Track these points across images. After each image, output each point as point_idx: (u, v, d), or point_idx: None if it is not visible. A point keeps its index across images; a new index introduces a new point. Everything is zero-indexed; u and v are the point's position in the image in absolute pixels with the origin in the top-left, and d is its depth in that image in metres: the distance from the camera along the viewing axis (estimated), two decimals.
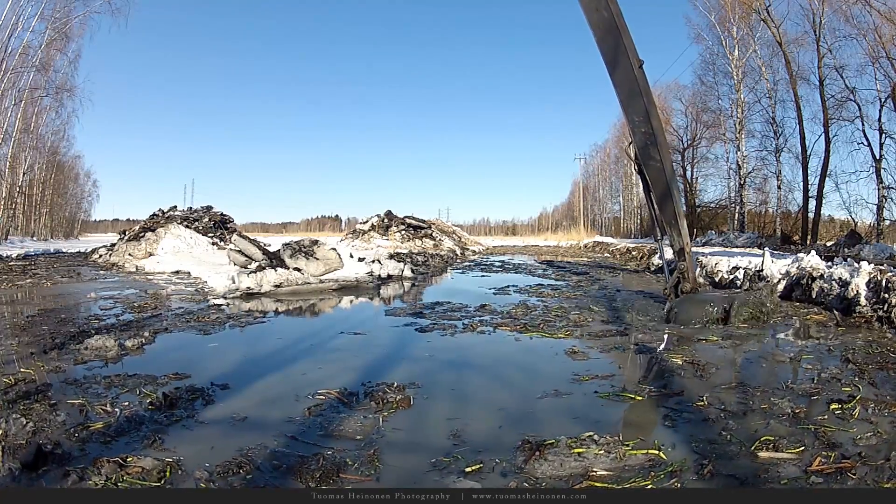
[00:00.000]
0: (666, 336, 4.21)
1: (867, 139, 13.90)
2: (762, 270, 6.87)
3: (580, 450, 1.93)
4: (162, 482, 1.69)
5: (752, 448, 1.98)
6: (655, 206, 5.41)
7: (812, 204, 15.44)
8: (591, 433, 2.06)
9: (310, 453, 1.92)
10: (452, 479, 1.73)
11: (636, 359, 3.60)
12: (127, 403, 2.46)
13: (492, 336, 4.25)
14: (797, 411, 2.39)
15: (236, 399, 2.59)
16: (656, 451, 1.94)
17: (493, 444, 2.04)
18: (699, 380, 2.97)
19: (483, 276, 10.38)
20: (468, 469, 1.80)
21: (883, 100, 13.47)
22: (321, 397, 2.59)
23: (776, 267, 6.75)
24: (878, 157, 13.70)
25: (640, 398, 2.66)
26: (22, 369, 3.03)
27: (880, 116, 13.64)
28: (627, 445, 1.98)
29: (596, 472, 1.80)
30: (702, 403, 2.52)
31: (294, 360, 3.51)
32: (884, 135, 13.60)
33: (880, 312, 4.58)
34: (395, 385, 2.76)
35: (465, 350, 3.80)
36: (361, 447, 2.01)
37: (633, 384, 2.89)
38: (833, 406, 2.44)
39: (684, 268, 5.15)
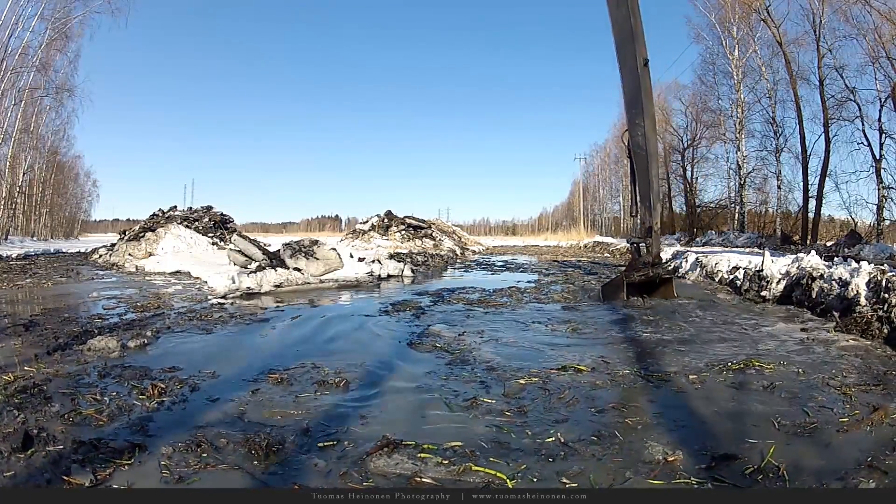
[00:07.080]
0: None
1: (867, 139, 13.89)
2: (762, 270, 6.87)
3: (426, 455, 1.93)
4: (132, 460, 1.92)
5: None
6: (637, 187, 6.71)
7: (812, 204, 15.41)
8: (461, 443, 2.05)
9: (252, 431, 2.14)
10: (306, 456, 1.97)
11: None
12: (116, 393, 2.63)
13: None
14: (671, 459, 1.91)
15: (218, 388, 2.77)
16: (504, 477, 1.79)
17: (366, 433, 2.18)
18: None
19: (492, 275, 10.40)
20: (320, 444, 2.06)
21: (883, 100, 13.46)
22: (273, 378, 2.88)
23: (776, 267, 6.75)
24: (878, 157, 13.68)
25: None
26: (26, 367, 3.05)
27: (880, 116, 13.63)
28: (475, 462, 1.91)
29: (421, 478, 1.81)
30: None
31: (278, 351, 3.72)
32: (884, 135, 13.58)
33: (880, 312, 4.59)
34: (337, 370, 3.07)
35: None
36: (294, 423, 2.28)
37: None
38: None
39: (649, 243, 6.50)
